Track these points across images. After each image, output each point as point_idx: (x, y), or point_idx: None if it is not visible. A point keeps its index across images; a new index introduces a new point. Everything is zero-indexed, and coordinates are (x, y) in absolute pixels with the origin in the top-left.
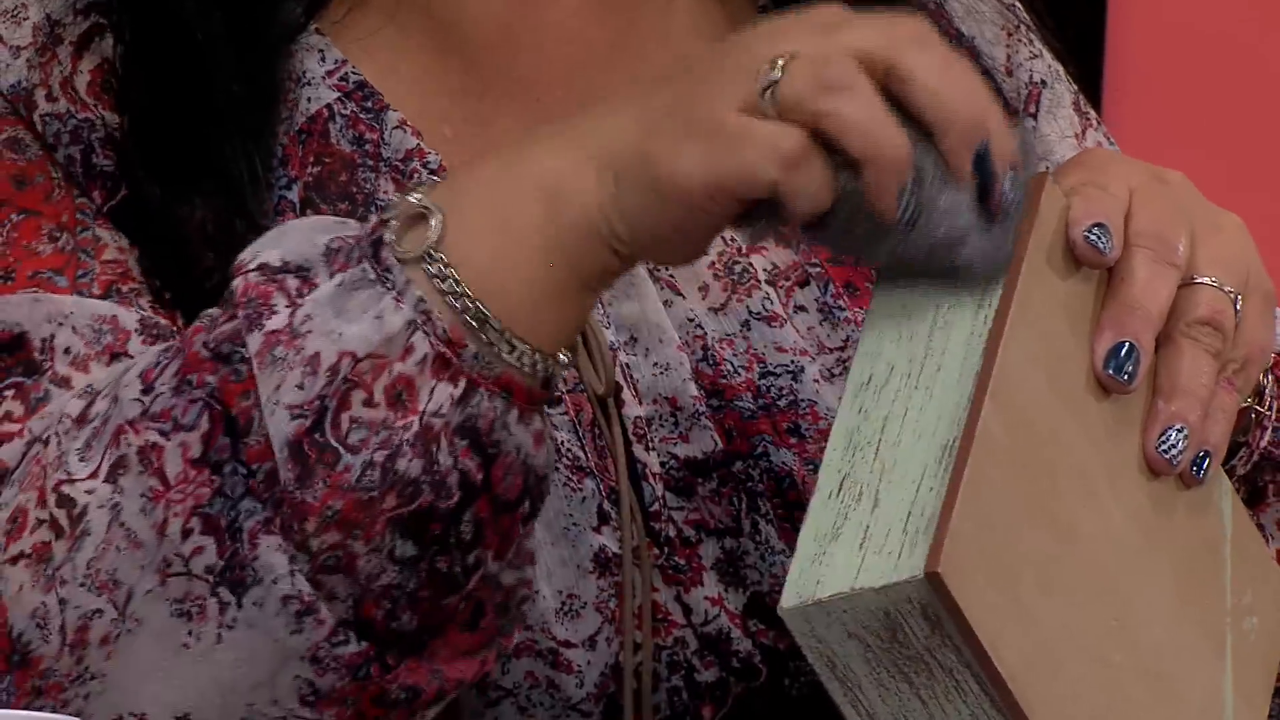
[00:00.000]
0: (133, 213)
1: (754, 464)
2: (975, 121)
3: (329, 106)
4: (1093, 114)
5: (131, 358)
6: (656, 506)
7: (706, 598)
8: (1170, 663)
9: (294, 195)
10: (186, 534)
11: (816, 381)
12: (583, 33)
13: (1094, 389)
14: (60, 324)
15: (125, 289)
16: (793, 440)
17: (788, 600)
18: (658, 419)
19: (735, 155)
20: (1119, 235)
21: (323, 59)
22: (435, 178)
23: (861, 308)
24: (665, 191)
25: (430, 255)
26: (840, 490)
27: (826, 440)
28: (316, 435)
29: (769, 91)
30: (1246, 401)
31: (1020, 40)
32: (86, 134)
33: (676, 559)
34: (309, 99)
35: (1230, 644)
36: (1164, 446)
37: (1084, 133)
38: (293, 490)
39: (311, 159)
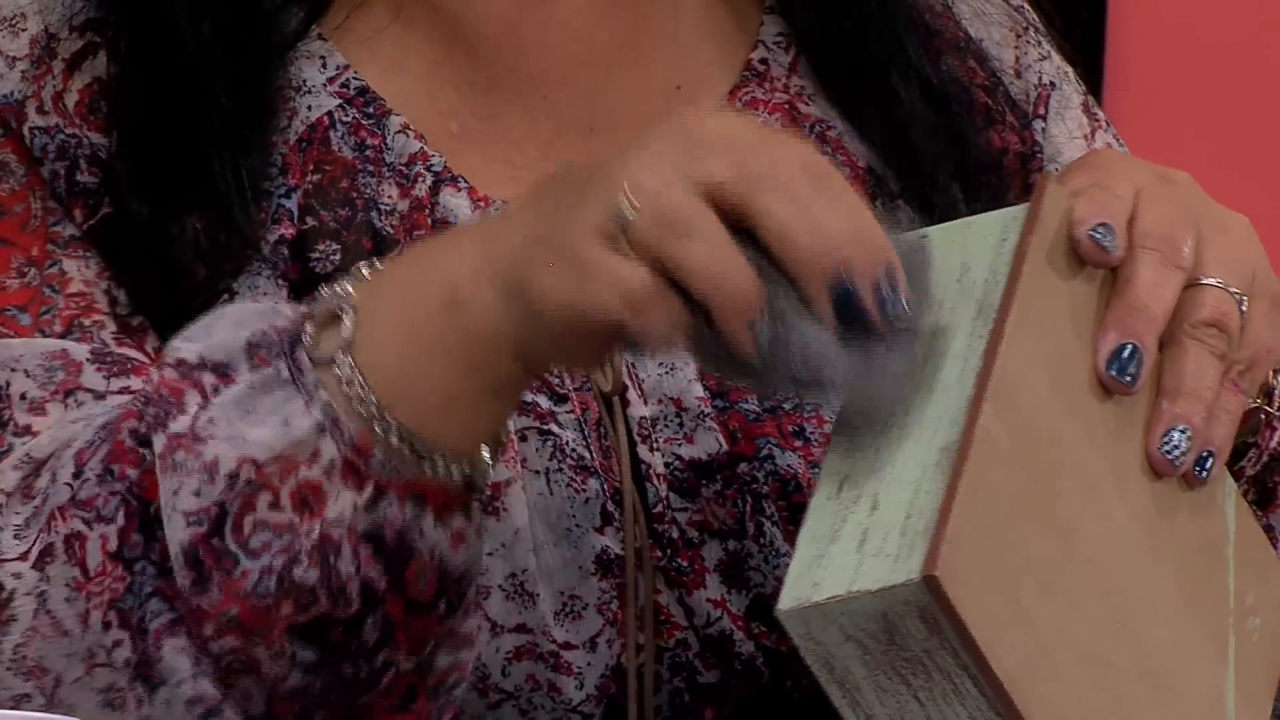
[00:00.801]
0: (116, 231)
1: (759, 466)
2: (827, 261)
3: (330, 114)
4: (1102, 115)
5: (88, 390)
6: (660, 508)
7: (709, 600)
8: (1173, 664)
9: (292, 204)
10: (106, 626)
11: None
12: (590, 31)
13: (1097, 390)
14: (13, 370)
15: (88, 322)
16: (798, 443)
17: (785, 602)
18: (663, 419)
19: (585, 289)
20: (1123, 236)
21: (323, 66)
22: (377, 264)
23: None
24: (536, 315)
25: (339, 358)
26: (839, 492)
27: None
28: (214, 540)
29: (623, 227)
30: (1256, 402)
31: (1029, 42)
32: (73, 150)
33: (679, 561)
34: (309, 107)
35: (1233, 645)
36: (1167, 447)
37: (1093, 134)
38: (188, 596)
39: (311, 166)
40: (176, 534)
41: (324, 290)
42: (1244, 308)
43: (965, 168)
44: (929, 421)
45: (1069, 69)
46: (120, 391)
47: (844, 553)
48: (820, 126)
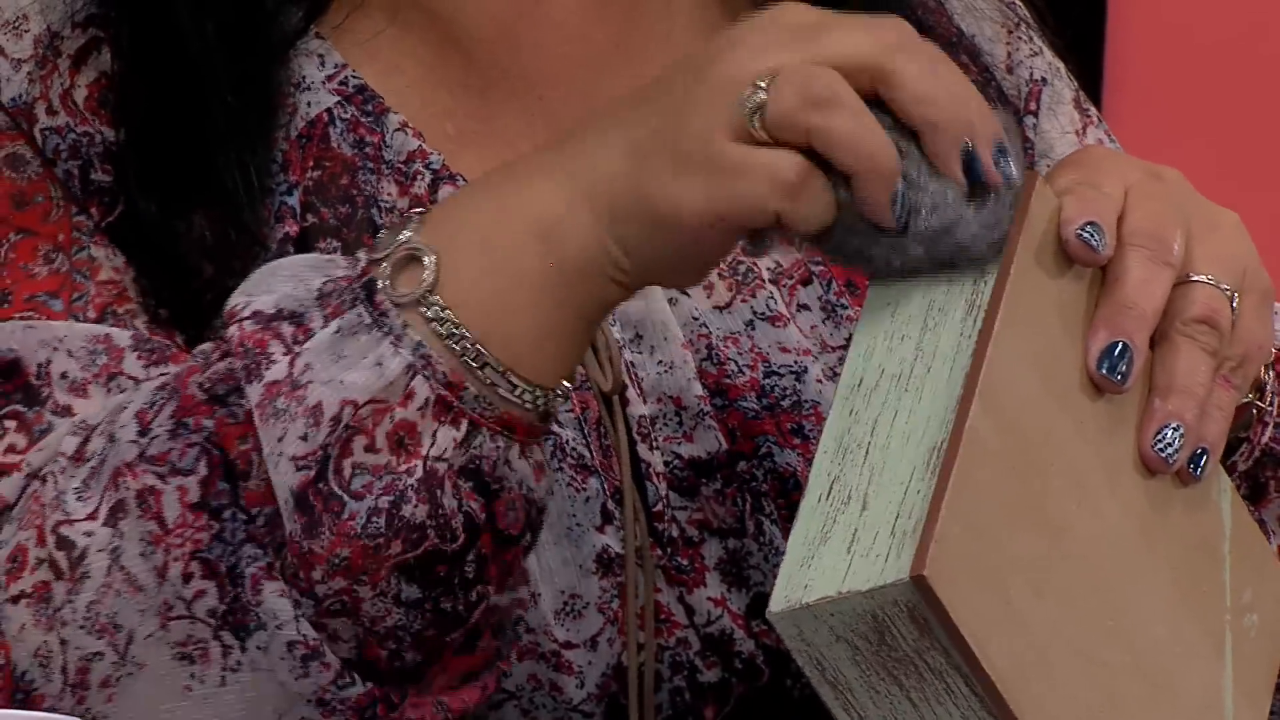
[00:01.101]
0: (131, 228)
1: (758, 464)
2: (961, 121)
3: (329, 111)
4: (1093, 110)
5: (129, 378)
6: (660, 506)
7: (709, 598)
8: (1168, 661)
9: (294, 200)
10: (187, 578)
11: (819, 382)
12: (584, 31)
13: (1088, 388)
14: (55, 349)
15: (121, 310)
16: (796, 441)
17: (776, 604)
18: (662, 418)
19: (735, 188)
20: (1112, 234)
21: (322, 64)
22: (419, 211)
23: (861, 306)
24: (667, 226)
25: (426, 299)
26: (830, 493)
27: None
28: (320, 485)
29: (757, 114)
30: (1248, 397)
31: (1020, 37)
32: (85, 149)
33: (679, 559)
34: (308, 104)
35: (1230, 642)
36: (1160, 445)
37: (1084, 129)
38: (299, 540)
39: (311, 163)
40: (285, 480)
41: (386, 234)
42: (1235, 304)
43: None
44: (918, 421)
45: (1060, 64)
46: (159, 378)
47: (834, 554)
48: None
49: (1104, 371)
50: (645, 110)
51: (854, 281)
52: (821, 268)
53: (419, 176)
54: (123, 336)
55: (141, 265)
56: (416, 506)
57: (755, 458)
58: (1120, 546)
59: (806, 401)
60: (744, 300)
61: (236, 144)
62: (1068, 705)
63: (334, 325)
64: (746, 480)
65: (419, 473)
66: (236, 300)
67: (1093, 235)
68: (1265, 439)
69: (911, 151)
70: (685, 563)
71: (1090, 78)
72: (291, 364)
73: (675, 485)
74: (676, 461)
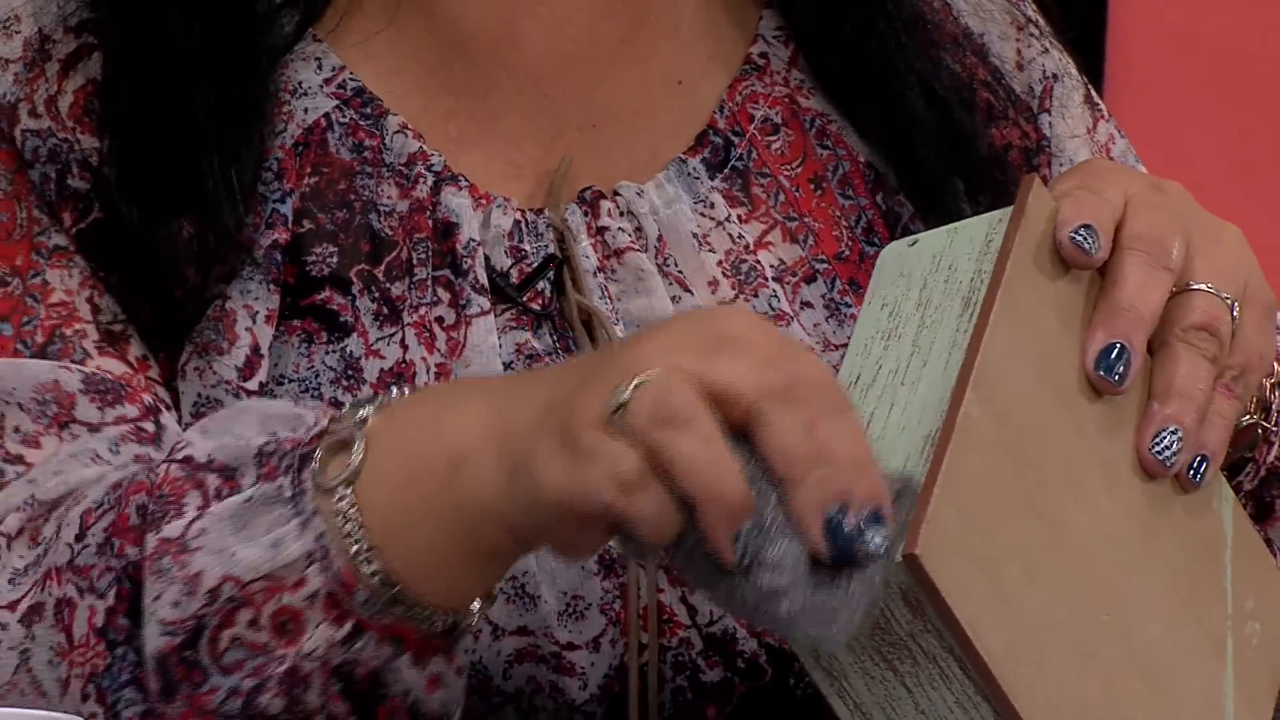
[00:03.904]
0: (105, 235)
1: None
2: (826, 484)
3: (327, 115)
4: (1103, 106)
5: (82, 424)
6: None
7: None
8: (1167, 661)
9: (288, 208)
10: (85, 697)
11: None
12: (590, 28)
13: (1087, 389)
14: (6, 403)
15: (69, 332)
16: None
17: None
18: None
19: (580, 473)
20: (1107, 237)
21: (319, 67)
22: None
23: None
24: (534, 497)
25: (341, 490)
26: None
27: None
28: (187, 652)
29: (619, 412)
30: (1252, 417)
31: (1030, 35)
32: (65, 154)
33: None
34: (305, 109)
35: (1231, 648)
36: (1158, 448)
37: (1095, 125)
38: (155, 700)
39: (309, 170)
40: (152, 639)
41: (348, 407)
42: (1235, 314)
43: (968, 166)
44: (914, 413)
45: (1070, 61)
46: (116, 421)
47: None
48: (820, 120)
49: (1101, 372)
50: (571, 374)
51: (857, 280)
52: (825, 266)
53: (420, 179)
54: (72, 381)
55: (121, 274)
56: (275, 698)
57: None
58: (1118, 544)
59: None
60: (747, 299)
61: (220, 149)
62: (1062, 692)
63: (249, 493)
64: None
65: (286, 665)
66: (187, 435)
67: (1086, 238)
68: (1271, 458)
69: (768, 490)
70: None
71: (1092, 78)
72: (189, 525)
73: None
74: None
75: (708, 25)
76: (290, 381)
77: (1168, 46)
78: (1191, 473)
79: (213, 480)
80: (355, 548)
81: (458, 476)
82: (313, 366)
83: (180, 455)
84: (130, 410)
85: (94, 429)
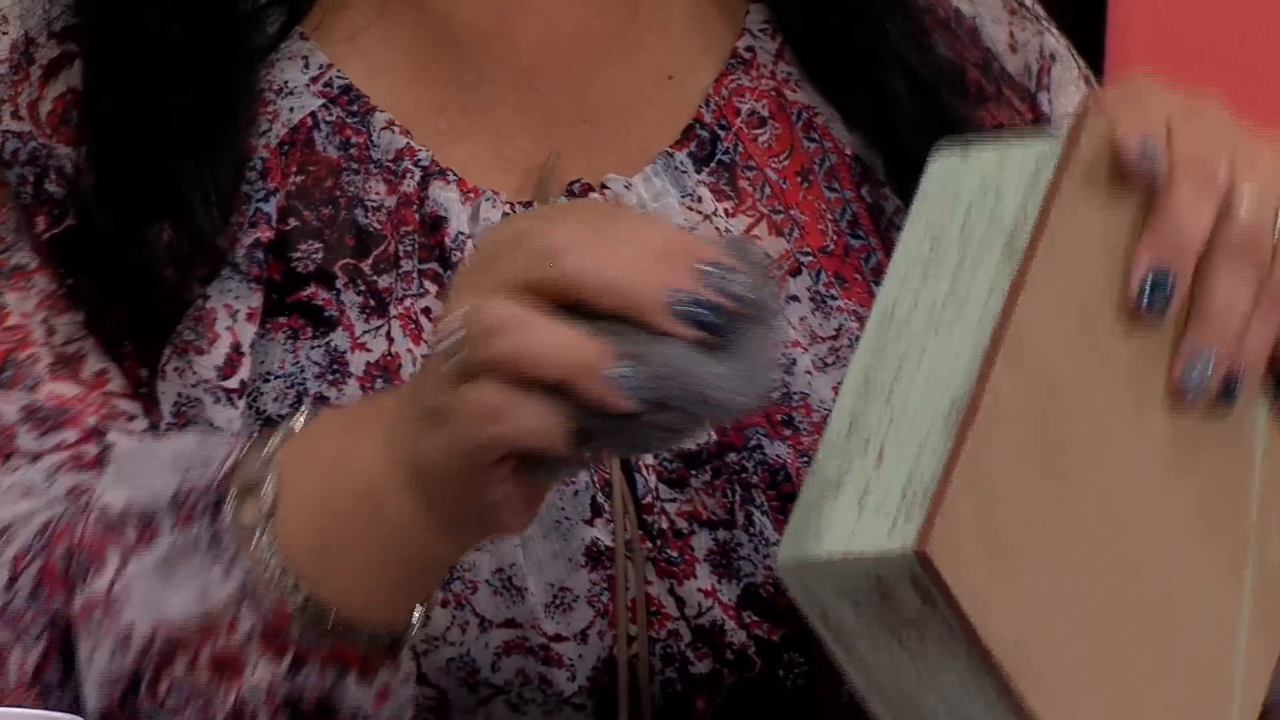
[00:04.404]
0: (81, 243)
1: (748, 456)
2: (650, 284)
3: (313, 114)
4: (1098, 85)
5: (23, 455)
6: (649, 498)
7: (699, 590)
8: (1182, 604)
9: (271, 206)
10: None
11: (809, 373)
12: (581, 23)
13: (1124, 324)
14: None
15: (23, 356)
16: (787, 432)
17: (783, 552)
18: None
19: (454, 432)
20: (1165, 153)
21: (306, 66)
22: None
23: (851, 298)
24: (440, 482)
25: (258, 533)
26: (849, 432)
27: (820, 433)
28: (128, 701)
29: (452, 361)
30: None
31: (1024, 18)
32: (43, 158)
33: (669, 551)
34: (291, 109)
35: (1250, 573)
36: (1190, 376)
37: None
38: None
39: (295, 168)
40: (91, 694)
41: (253, 442)
42: (1278, 229)
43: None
44: (943, 369)
45: (1065, 41)
46: (55, 448)
47: (846, 504)
48: (808, 113)
49: (1145, 301)
50: (421, 366)
51: (842, 274)
52: (811, 259)
53: (408, 174)
54: (10, 412)
55: (98, 280)
56: None
57: (745, 449)
58: (1142, 490)
59: (796, 393)
60: None
61: (197, 155)
62: (1071, 677)
63: (169, 542)
64: (736, 472)
65: (230, 703)
66: (102, 482)
67: (1155, 155)
68: None
69: (623, 328)
70: (675, 554)
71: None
72: (114, 582)
73: (664, 477)
74: (665, 453)
75: (698, 20)
76: (276, 378)
77: (1168, 46)
78: (1225, 394)
79: (132, 530)
80: (283, 584)
81: (380, 513)
82: (298, 362)
83: (98, 506)
84: (70, 435)
85: (34, 458)
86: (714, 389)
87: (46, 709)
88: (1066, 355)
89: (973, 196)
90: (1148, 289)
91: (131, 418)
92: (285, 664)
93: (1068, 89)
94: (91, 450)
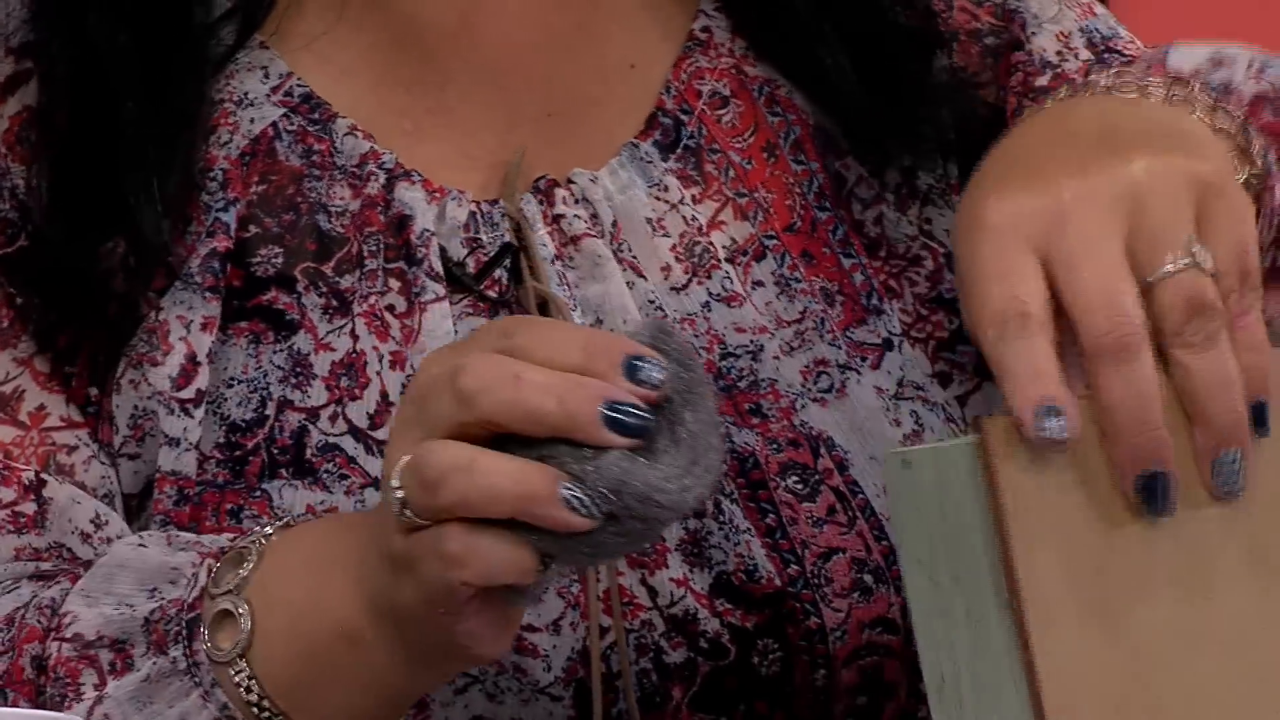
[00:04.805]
0: (32, 261)
1: None
2: (580, 396)
3: (274, 124)
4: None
5: None
6: None
7: (671, 579)
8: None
9: (231, 216)
10: None
11: (776, 358)
12: (543, 16)
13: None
14: None
15: None
16: (755, 420)
17: None
18: None
19: (420, 578)
20: (1075, 413)
21: (266, 76)
22: (269, 533)
23: (820, 274)
24: (421, 627)
25: (236, 663)
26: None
27: (787, 419)
28: None
29: (403, 512)
30: (1242, 175)
31: None
32: None
33: None
34: (252, 120)
35: None
36: (1224, 473)
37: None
38: None
39: (256, 178)
40: None
41: (221, 564)
42: (1201, 261)
43: (916, 110)
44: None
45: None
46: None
47: None
48: (769, 86)
49: (1152, 510)
50: (378, 511)
51: (809, 251)
52: (775, 242)
53: (373, 177)
54: None
55: (53, 296)
56: None
57: None
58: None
59: (764, 380)
60: (700, 282)
61: (146, 164)
62: None
63: (145, 668)
64: None
65: None
66: (69, 604)
67: (1053, 428)
68: (1277, 202)
69: (561, 449)
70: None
71: None
72: (91, 709)
73: None
74: None
75: (653, 6)
76: (239, 383)
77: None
78: (1258, 427)
79: (105, 656)
80: (265, 715)
81: (357, 653)
82: (260, 366)
83: (69, 633)
84: (6, 494)
85: None
86: (662, 491)
87: None
88: (1095, 576)
89: (934, 516)
90: (1148, 497)
91: (72, 449)
92: None
93: (1043, 23)
94: (30, 509)
